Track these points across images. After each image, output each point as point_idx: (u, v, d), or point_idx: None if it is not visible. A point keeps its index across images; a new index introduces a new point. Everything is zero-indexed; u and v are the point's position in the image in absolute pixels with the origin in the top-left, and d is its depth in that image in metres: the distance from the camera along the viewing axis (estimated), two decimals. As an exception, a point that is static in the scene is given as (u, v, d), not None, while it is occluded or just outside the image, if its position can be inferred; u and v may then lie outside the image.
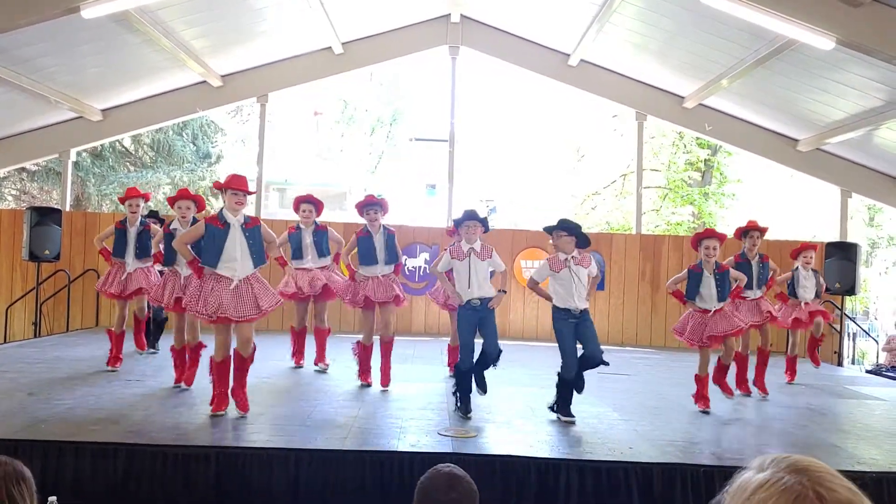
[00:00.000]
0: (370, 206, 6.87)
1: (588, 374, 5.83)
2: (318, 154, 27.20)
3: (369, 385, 6.72)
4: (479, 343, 5.84)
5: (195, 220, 6.48)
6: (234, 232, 5.39)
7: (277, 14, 10.71)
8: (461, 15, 12.18)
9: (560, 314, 5.73)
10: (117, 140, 17.86)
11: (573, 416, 5.60)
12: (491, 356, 5.78)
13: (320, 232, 7.57)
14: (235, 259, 5.37)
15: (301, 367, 7.74)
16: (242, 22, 10.78)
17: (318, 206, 7.67)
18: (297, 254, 7.52)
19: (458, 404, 5.70)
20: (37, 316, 10.95)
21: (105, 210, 18.79)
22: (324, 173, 26.56)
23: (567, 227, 5.77)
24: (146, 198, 7.52)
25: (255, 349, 5.58)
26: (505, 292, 5.93)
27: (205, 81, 12.00)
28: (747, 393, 7.21)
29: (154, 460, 4.31)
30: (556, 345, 5.76)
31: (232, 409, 5.40)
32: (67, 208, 12.50)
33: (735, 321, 6.35)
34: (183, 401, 5.81)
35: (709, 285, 6.35)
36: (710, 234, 6.50)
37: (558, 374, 5.74)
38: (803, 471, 1.08)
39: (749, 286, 7.19)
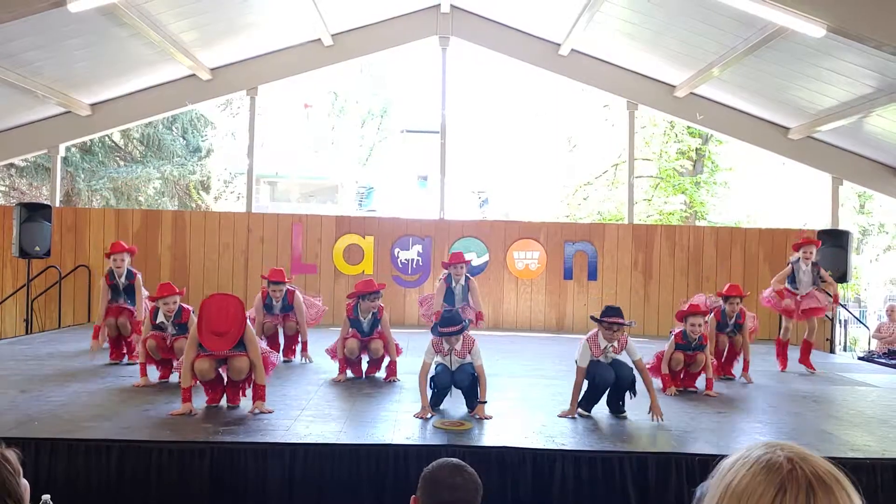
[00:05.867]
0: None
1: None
2: (309, 146, 27.09)
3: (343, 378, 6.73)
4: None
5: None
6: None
7: (266, 5, 10.63)
8: (451, 5, 12.12)
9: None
10: (106, 135, 17.74)
11: (589, 412, 5.50)
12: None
13: (286, 300, 7.71)
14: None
15: (290, 360, 7.85)
16: (231, 14, 10.71)
17: (288, 290, 7.75)
18: (270, 310, 7.74)
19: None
20: (28, 313, 10.88)
21: (95, 205, 18.69)
22: (315, 166, 26.46)
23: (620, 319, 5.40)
24: (132, 252, 7.60)
25: (249, 378, 5.38)
26: (486, 402, 5.38)
27: (194, 75, 11.93)
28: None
29: (148, 456, 4.28)
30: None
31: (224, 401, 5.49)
32: (57, 204, 12.40)
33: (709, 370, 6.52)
34: (176, 397, 5.76)
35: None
36: (695, 310, 6.42)
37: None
38: (777, 445, 1.17)
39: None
